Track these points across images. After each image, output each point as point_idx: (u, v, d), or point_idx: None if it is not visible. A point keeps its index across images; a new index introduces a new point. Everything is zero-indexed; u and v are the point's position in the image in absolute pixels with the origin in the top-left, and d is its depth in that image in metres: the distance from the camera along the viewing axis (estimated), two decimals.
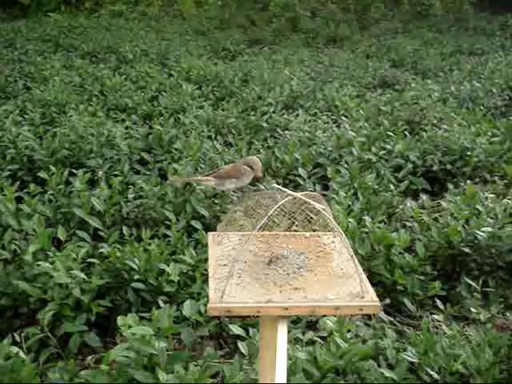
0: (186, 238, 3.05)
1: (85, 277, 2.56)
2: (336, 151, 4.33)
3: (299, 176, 3.91)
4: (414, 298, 2.88)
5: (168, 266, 2.69)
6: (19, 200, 3.26)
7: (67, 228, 3.06)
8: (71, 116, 4.96)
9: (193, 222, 3.22)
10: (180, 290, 2.71)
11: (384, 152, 4.31)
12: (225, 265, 1.67)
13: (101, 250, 2.83)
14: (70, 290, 2.52)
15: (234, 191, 3.42)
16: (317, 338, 2.40)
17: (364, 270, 1.68)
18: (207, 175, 3.37)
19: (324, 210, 1.62)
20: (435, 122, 5.21)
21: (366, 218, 3.17)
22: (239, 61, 8.35)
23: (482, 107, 5.84)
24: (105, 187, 3.38)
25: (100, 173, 3.72)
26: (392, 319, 2.78)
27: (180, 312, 2.43)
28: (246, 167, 3.26)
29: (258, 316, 1.63)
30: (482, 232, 3.09)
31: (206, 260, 2.20)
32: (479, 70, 7.72)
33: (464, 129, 4.82)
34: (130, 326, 2.11)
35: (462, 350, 2.32)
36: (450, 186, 3.90)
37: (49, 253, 2.71)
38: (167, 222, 3.15)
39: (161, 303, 2.53)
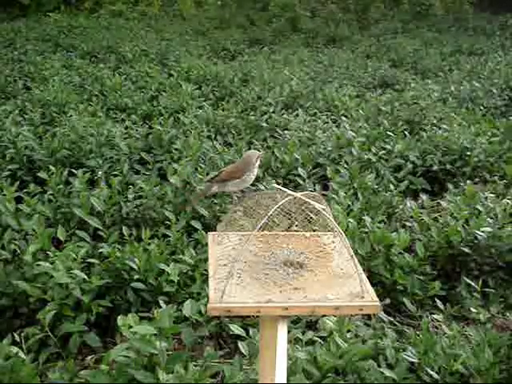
0: (185, 237, 3.05)
1: (85, 277, 2.55)
2: (336, 151, 4.33)
3: (299, 176, 3.91)
4: (414, 298, 2.88)
5: (168, 265, 2.69)
6: (19, 200, 3.26)
7: (67, 228, 3.06)
8: (71, 116, 4.96)
9: (192, 222, 3.22)
10: (180, 289, 2.71)
11: (384, 152, 4.31)
12: (225, 265, 1.67)
13: (101, 250, 2.83)
14: (69, 290, 2.52)
15: (234, 191, 3.41)
16: (317, 338, 2.40)
17: (364, 270, 1.68)
18: (210, 180, 3.35)
19: (324, 209, 1.62)
20: (435, 121, 5.21)
21: (366, 218, 3.17)
22: (239, 61, 8.36)
23: (481, 107, 5.84)
24: (104, 187, 3.38)
25: (100, 173, 3.72)
26: (392, 319, 2.78)
27: (180, 312, 2.43)
28: (249, 165, 3.21)
29: (257, 316, 1.63)
30: (482, 232, 3.09)
31: (206, 260, 2.20)
32: (479, 69, 7.72)
33: (464, 129, 4.82)
34: (130, 326, 2.11)
35: (462, 350, 2.32)
36: (450, 186, 3.90)
37: (49, 253, 2.71)
38: (167, 222, 3.15)
39: (161, 303, 2.52)
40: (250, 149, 4.38)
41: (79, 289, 2.53)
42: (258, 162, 3.22)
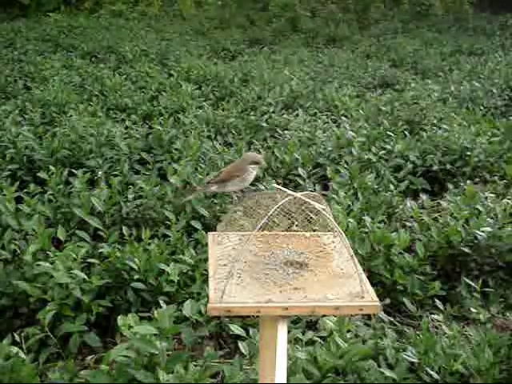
0: (185, 237, 3.05)
1: (85, 277, 2.55)
2: (336, 151, 4.33)
3: (299, 176, 3.90)
4: (414, 298, 2.88)
5: (168, 265, 2.69)
6: (19, 200, 3.26)
7: (67, 228, 3.06)
8: (71, 116, 4.96)
9: (192, 222, 3.22)
10: (180, 289, 2.71)
11: (384, 152, 4.31)
12: (225, 265, 1.67)
13: (101, 250, 2.83)
14: (70, 290, 2.52)
15: (234, 191, 3.40)
16: (317, 338, 2.40)
17: (364, 270, 1.68)
18: (209, 182, 3.31)
19: (324, 209, 1.62)
20: (435, 121, 5.21)
21: (366, 217, 3.17)
22: (239, 61, 8.35)
23: (481, 107, 5.84)
24: (104, 187, 3.38)
25: (100, 173, 3.72)
26: (392, 319, 2.78)
27: (180, 312, 2.43)
28: (249, 166, 3.14)
29: (257, 316, 1.63)
30: (482, 232, 3.09)
31: (206, 260, 2.20)
32: (479, 69, 7.72)
33: (464, 129, 4.82)
34: (130, 326, 2.11)
35: (462, 350, 2.32)
36: (450, 186, 3.90)
37: (49, 253, 2.71)
38: (167, 222, 3.15)
39: (161, 303, 2.52)
40: (249, 149, 4.38)
41: (79, 289, 2.53)
42: (261, 164, 3.12)
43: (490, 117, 5.49)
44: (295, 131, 4.78)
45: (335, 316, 2.39)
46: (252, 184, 3.61)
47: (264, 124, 5.00)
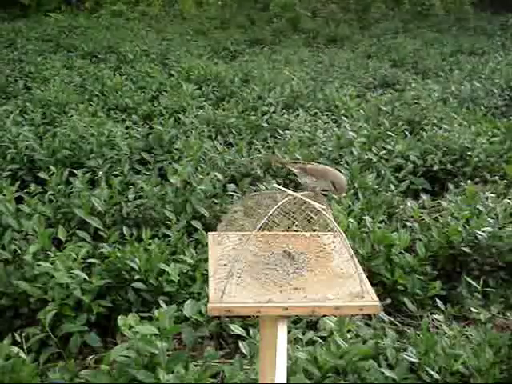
0: (186, 237, 3.05)
1: (85, 277, 2.56)
2: (336, 151, 4.32)
3: None
4: (415, 298, 2.87)
5: (168, 265, 2.69)
6: (19, 200, 3.26)
7: (67, 228, 3.06)
8: (71, 116, 4.96)
9: (193, 222, 3.22)
10: (180, 289, 2.71)
11: (384, 152, 4.30)
12: (225, 265, 1.67)
13: (101, 250, 2.83)
14: (70, 290, 2.52)
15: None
16: (317, 338, 2.40)
17: (364, 270, 1.68)
18: (297, 163, 2.94)
19: (324, 209, 1.62)
20: (435, 121, 5.20)
21: (367, 217, 3.17)
22: (239, 61, 8.35)
23: (482, 107, 5.84)
24: (105, 187, 3.38)
25: (100, 173, 3.72)
26: (392, 319, 2.78)
27: (180, 312, 2.43)
28: (325, 183, 2.58)
29: (258, 316, 1.63)
30: (483, 232, 3.09)
31: (206, 260, 2.20)
32: (479, 69, 7.72)
33: (464, 129, 4.82)
34: (130, 326, 2.11)
35: (463, 349, 2.32)
36: (451, 186, 3.89)
37: (49, 253, 2.71)
38: (167, 222, 3.15)
39: (161, 303, 2.52)
40: (250, 149, 4.37)
41: (80, 289, 2.53)
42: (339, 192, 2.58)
43: (491, 117, 5.49)
44: (296, 131, 4.77)
45: (335, 316, 2.39)
46: (252, 184, 3.63)
47: (264, 124, 5.00)
